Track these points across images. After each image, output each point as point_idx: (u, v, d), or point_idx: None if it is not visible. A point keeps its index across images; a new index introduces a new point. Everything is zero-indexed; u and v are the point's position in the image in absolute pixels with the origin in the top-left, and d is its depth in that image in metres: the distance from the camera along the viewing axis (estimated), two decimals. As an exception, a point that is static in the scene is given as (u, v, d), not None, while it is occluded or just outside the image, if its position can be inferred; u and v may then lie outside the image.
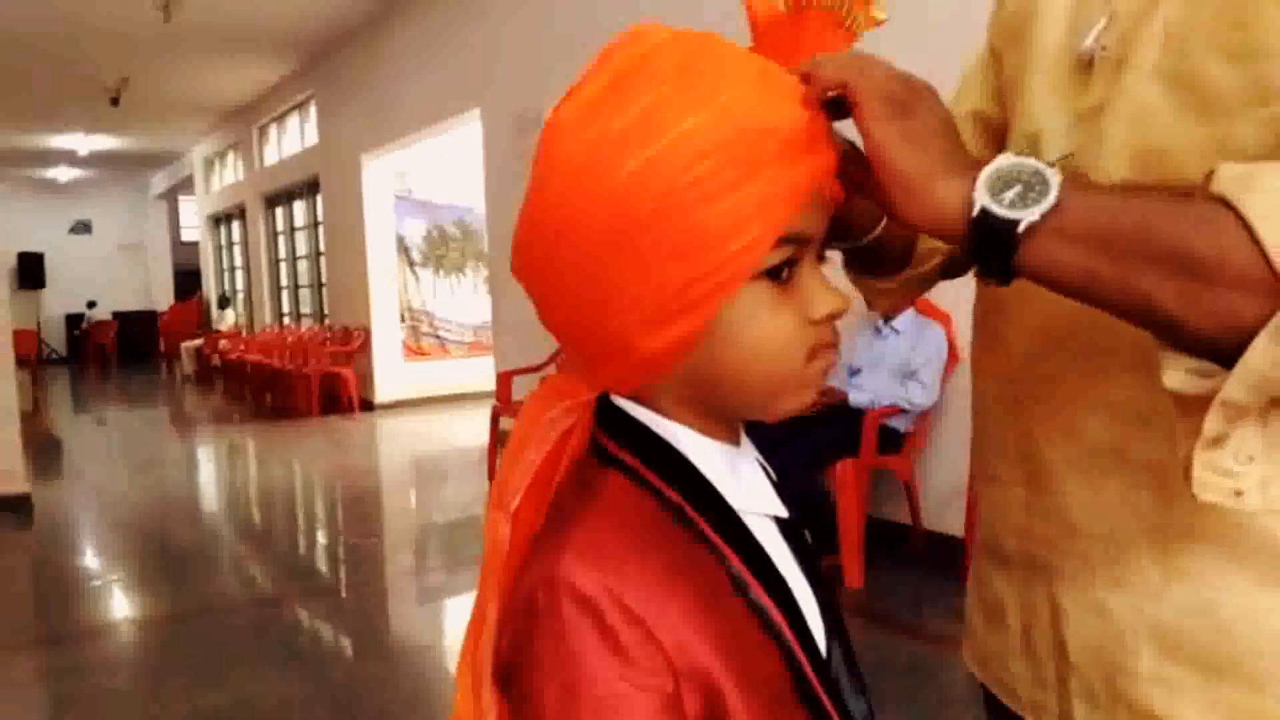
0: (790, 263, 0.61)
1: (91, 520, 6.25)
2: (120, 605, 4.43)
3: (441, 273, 11.38)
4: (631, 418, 0.64)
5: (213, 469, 8.34)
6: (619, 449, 0.63)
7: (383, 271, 10.74)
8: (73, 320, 20.14)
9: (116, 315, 19.85)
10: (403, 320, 11.05)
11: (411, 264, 11.16)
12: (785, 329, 0.60)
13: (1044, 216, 0.58)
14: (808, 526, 0.71)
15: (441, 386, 10.90)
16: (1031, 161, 0.60)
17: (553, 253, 0.60)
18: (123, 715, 3.11)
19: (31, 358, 15.28)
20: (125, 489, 7.13)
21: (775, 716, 0.60)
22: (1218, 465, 0.61)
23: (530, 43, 6.88)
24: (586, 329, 0.61)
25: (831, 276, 0.64)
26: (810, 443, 3.84)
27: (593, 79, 0.60)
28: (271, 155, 13.81)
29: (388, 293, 10.81)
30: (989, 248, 0.60)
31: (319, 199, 12.10)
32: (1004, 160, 0.60)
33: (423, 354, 11.18)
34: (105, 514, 6.37)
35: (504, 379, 6.71)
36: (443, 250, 11.36)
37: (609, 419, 0.65)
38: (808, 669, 0.61)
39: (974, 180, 0.60)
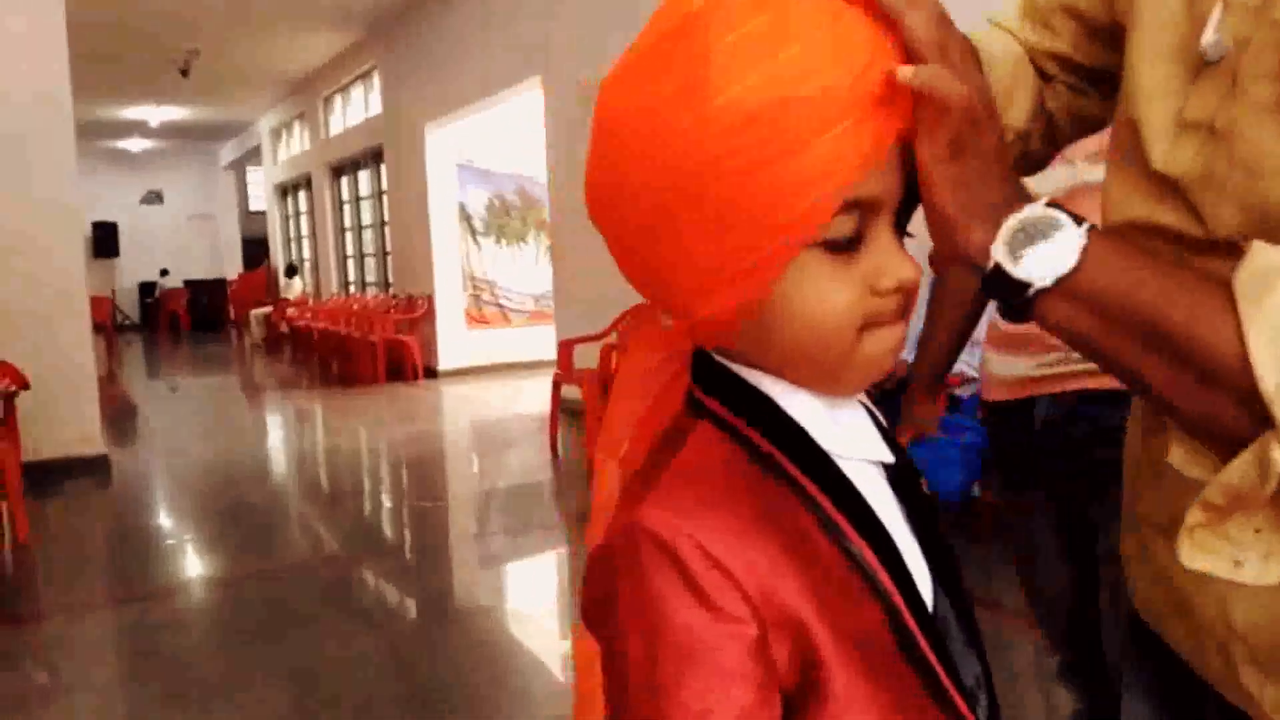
0: (856, 233, 0.57)
1: (166, 481, 6.44)
2: (195, 564, 4.56)
3: (503, 242, 11.44)
4: (722, 367, 0.63)
5: (282, 433, 8.52)
6: (709, 399, 0.62)
7: (445, 240, 10.83)
8: (145, 288, 20.64)
9: (187, 283, 20.31)
10: (465, 289, 11.14)
11: (474, 233, 11.23)
12: (840, 300, 0.57)
13: (1056, 281, 0.58)
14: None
15: (503, 355, 11.00)
16: (1061, 216, 0.58)
17: (611, 211, 0.60)
18: (196, 671, 3.21)
19: (107, 325, 15.70)
20: (198, 452, 7.32)
21: (873, 668, 0.58)
22: (1221, 530, 0.60)
23: (590, 10, 6.85)
24: (652, 286, 0.61)
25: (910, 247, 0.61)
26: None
27: (643, 38, 0.58)
28: (336, 125, 13.96)
29: (450, 261, 10.91)
30: (1004, 299, 0.60)
31: (383, 168, 12.22)
32: (1031, 212, 0.58)
33: (485, 322, 11.27)
34: (179, 476, 6.54)
35: (565, 348, 6.74)
36: (504, 219, 11.41)
37: (702, 370, 0.64)
38: (908, 619, 0.59)
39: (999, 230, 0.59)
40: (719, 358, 0.63)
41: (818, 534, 0.58)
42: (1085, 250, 0.57)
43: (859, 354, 0.59)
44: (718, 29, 0.54)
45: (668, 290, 0.60)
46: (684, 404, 0.64)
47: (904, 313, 0.60)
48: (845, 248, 0.57)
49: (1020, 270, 0.58)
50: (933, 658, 0.59)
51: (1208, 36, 0.66)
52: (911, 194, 0.60)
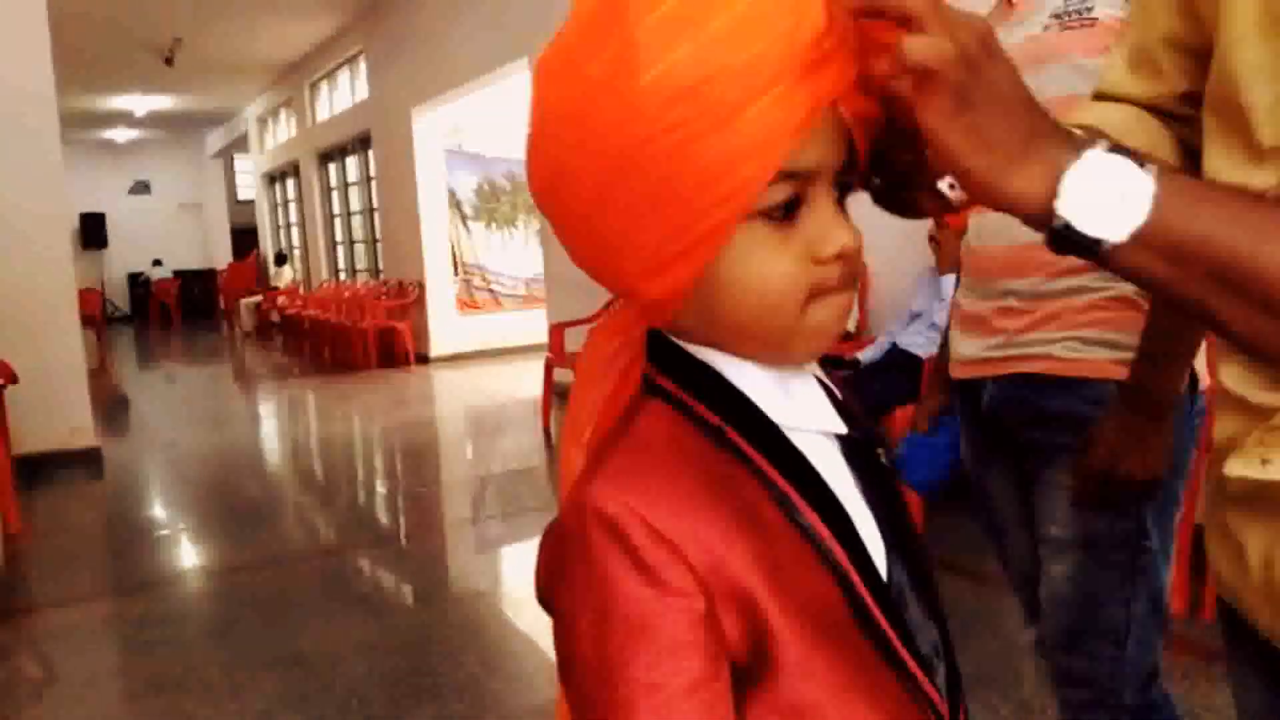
0: (793, 199, 0.57)
1: (159, 473, 6.42)
2: (189, 555, 4.55)
3: (493, 226, 11.41)
4: (674, 345, 0.63)
5: (274, 422, 8.50)
6: (662, 377, 0.63)
7: (435, 226, 10.79)
8: (135, 279, 20.56)
9: (177, 273, 20.23)
10: (455, 274, 11.11)
11: (463, 218, 11.20)
12: (782, 271, 0.57)
13: (1131, 234, 0.56)
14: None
15: (495, 339, 10.98)
16: (1128, 164, 0.56)
17: (553, 196, 0.60)
18: (192, 662, 3.20)
19: (97, 316, 15.62)
20: (191, 442, 7.30)
21: (827, 639, 0.58)
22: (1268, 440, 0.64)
23: (578, -11, 6.79)
24: (599, 268, 0.61)
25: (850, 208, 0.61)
26: (869, 393, 3.80)
27: (571, 20, 0.58)
28: (323, 111, 13.87)
29: (440, 247, 10.88)
30: (1073, 252, 0.58)
31: (371, 154, 12.16)
32: (1094, 160, 0.56)
33: (476, 307, 11.25)
34: (172, 466, 6.53)
35: (556, 331, 6.73)
36: (494, 203, 11.37)
37: (655, 350, 0.64)
38: (862, 591, 0.59)
39: (1056, 176, 0.56)
40: (671, 336, 0.63)
41: (767, 505, 0.59)
42: (1157, 198, 0.55)
43: (805, 323, 0.59)
44: (642, 6, 0.53)
45: (615, 272, 0.60)
46: (639, 385, 0.65)
47: (848, 280, 0.60)
48: (783, 217, 0.57)
49: (1090, 226, 0.56)
50: (886, 626, 0.60)
51: None
52: (853, 160, 0.59)
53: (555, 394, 6.58)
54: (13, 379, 4.88)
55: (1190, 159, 0.91)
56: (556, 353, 6.63)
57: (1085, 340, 1.46)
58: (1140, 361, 1.33)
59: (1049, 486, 1.52)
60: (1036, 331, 1.49)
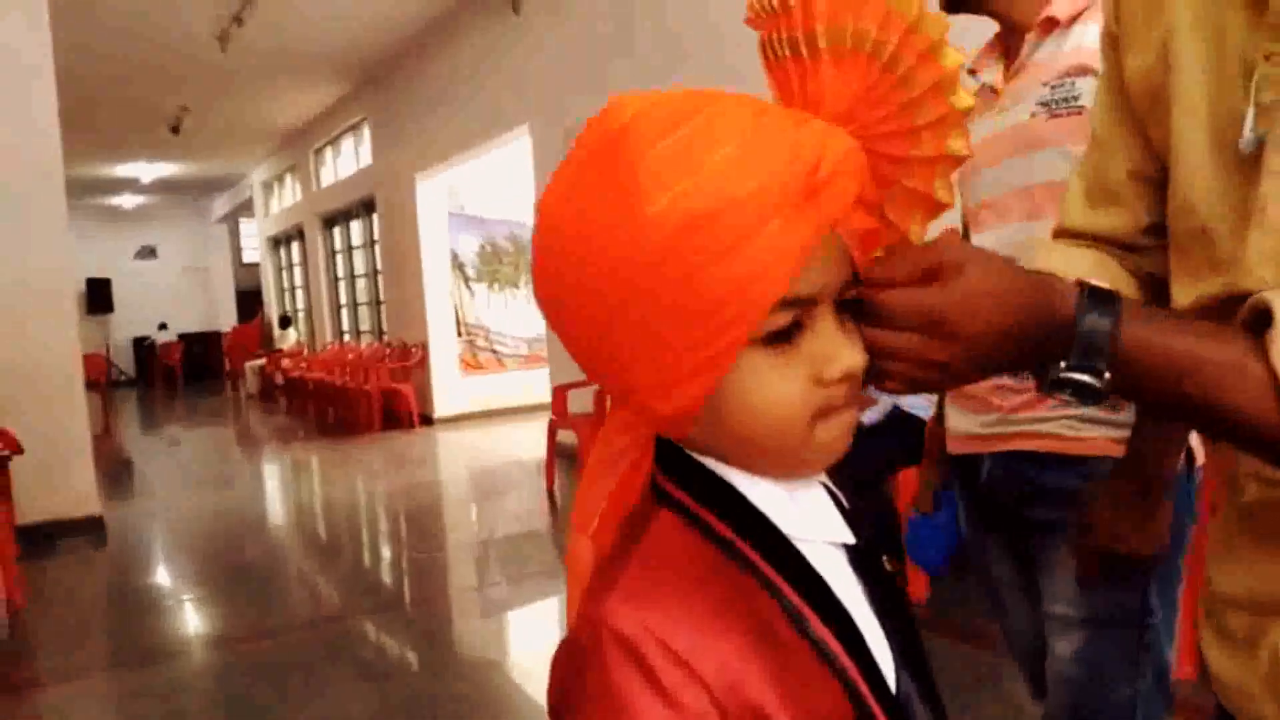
0: (792, 324, 0.58)
1: (163, 540, 6.39)
2: (192, 625, 4.52)
3: (496, 287, 11.48)
4: (683, 454, 0.64)
5: (279, 487, 8.48)
6: (671, 486, 0.63)
7: (438, 287, 10.86)
8: (140, 342, 20.64)
9: (182, 337, 20.31)
10: (459, 335, 11.16)
11: (466, 279, 11.28)
12: (788, 394, 0.58)
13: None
14: (881, 543, 0.69)
15: (498, 400, 10.99)
16: (1087, 380, 0.66)
17: (559, 317, 0.61)
18: (197, 734, 3.17)
19: (101, 381, 15.66)
20: (194, 508, 7.28)
21: None
22: None
23: (574, 59, 6.92)
24: (607, 385, 0.62)
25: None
26: (872, 455, 3.80)
27: (575, 153, 0.59)
28: (328, 177, 14.04)
29: (444, 308, 10.94)
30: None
31: (375, 218, 12.28)
32: (1069, 373, 0.67)
33: (479, 368, 11.28)
34: (176, 533, 6.50)
35: (559, 393, 6.74)
36: (496, 265, 11.45)
37: (665, 455, 0.65)
38: (871, 702, 0.59)
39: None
40: (681, 444, 0.64)
41: (780, 620, 0.59)
42: (1110, 379, 0.66)
43: (813, 441, 0.60)
44: (645, 140, 0.55)
45: (624, 388, 0.61)
46: (647, 489, 0.65)
47: (854, 398, 0.61)
48: (784, 340, 0.58)
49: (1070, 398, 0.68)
50: None
51: (1245, 138, 0.72)
52: (855, 278, 0.62)
53: (559, 455, 6.58)
54: (18, 449, 4.88)
55: (1153, 289, 0.94)
56: (559, 414, 6.64)
57: (1083, 418, 1.46)
58: (1138, 438, 1.34)
59: (1051, 565, 1.51)
60: (1032, 410, 1.49)
